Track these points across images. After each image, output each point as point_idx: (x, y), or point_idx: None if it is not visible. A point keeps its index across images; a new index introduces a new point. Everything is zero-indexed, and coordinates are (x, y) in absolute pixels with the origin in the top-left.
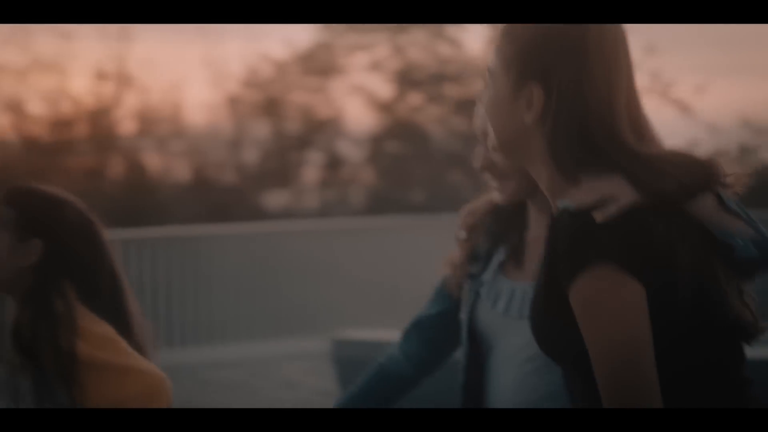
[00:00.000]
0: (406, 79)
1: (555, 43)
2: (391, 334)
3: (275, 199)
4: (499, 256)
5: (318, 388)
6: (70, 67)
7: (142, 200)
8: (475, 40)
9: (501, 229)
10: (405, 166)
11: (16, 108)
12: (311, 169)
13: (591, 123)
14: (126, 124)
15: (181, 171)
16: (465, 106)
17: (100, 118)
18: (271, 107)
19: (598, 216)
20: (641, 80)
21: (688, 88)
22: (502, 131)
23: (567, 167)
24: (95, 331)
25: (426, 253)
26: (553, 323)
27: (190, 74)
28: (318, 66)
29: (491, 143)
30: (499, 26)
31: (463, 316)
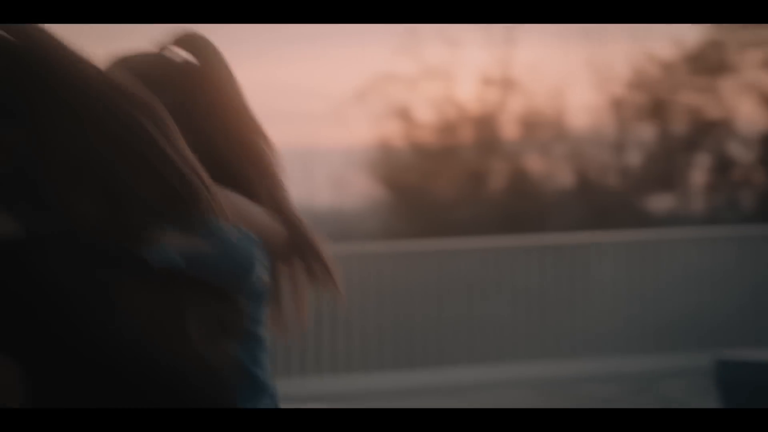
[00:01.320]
0: None
1: None
2: None
3: (660, 203)
4: None
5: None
6: (457, 74)
7: (525, 205)
8: None
9: None
10: None
11: (405, 115)
12: (699, 172)
13: None
14: (509, 129)
15: (564, 175)
16: None
17: (484, 123)
18: (657, 108)
19: None
20: None
21: None
22: None
23: None
24: None
25: None
26: None
27: (573, 77)
28: (707, 64)
29: None
30: None
31: None
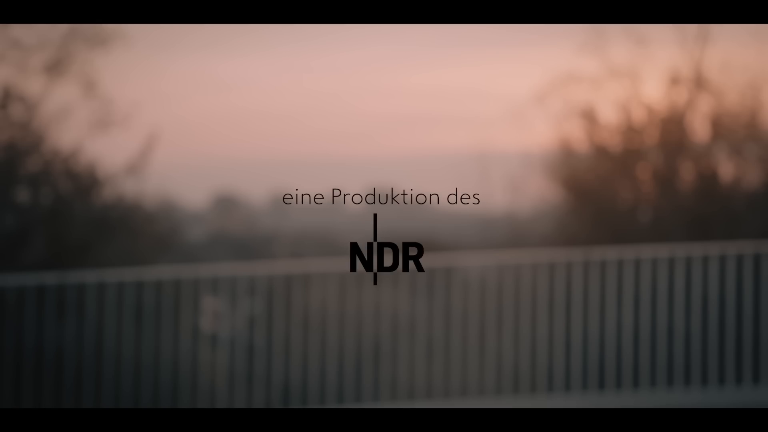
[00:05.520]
0: None
1: None
2: None
3: None
4: None
5: None
6: (644, 73)
7: (714, 211)
8: None
9: None
10: None
11: (588, 116)
12: None
13: None
14: (699, 130)
15: (756, 179)
16: None
17: (672, 124)
18: None
19: None
20: None
21: None
22: None
23: None
24: None
25: None
26: None
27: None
28: None
29: None
30: None
31: None
